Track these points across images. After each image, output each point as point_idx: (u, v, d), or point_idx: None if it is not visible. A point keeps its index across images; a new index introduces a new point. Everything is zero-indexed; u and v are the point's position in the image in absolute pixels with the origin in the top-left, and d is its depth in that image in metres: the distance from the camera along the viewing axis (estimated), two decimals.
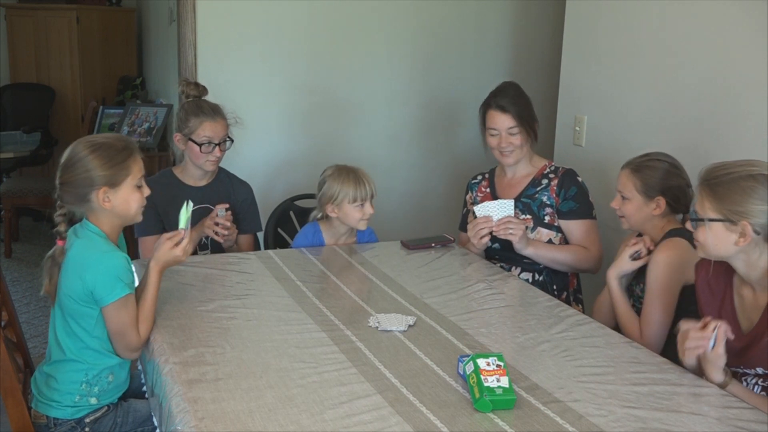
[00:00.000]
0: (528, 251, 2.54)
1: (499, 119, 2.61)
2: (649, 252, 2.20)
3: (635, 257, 2.22)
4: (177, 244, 2.00)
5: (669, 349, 1.98)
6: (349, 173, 2.63)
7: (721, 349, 1.68)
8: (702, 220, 1.78)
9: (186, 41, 3.48)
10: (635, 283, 2.30)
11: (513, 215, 2.52)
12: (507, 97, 2.63)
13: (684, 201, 2.24)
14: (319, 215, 2.71)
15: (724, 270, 1.84)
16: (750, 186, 1.70)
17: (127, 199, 1.93)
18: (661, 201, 2.22)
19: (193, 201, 2.69)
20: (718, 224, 1.74)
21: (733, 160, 1.78)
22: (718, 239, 1.76)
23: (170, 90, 4.67)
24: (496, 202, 2.55)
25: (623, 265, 2.24)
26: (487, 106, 2.66)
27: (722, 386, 1.72)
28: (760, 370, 1.76)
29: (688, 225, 2.11)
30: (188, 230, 2.02)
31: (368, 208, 2.62)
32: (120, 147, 1.93)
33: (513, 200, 2.56)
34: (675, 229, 2.20)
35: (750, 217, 1.70)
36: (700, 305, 1.91)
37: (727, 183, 1.73)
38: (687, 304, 2.08)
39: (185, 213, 2.03)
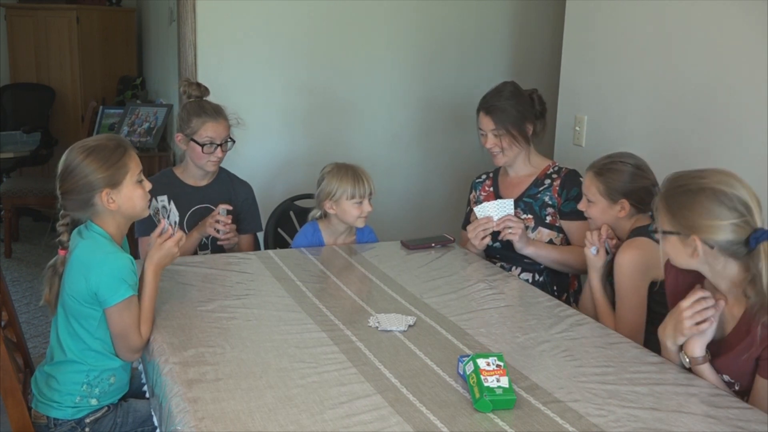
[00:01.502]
0: (528, 251, 2.54)
1: (484, 120, 2.63)
2: (616, 249, 2.22)
3: (597, 252, 2.25)
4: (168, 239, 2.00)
5: (648, 348, 1.98)
6: (348, 170, 2.63)
7: (716, 323, 1.72)
8: (657, 232, 1.78)
9: (186, 41, 3.48)
10: (611, 280, 2.30)
11: (513, 214, 2.52)
12: (495, 98, 2.63)
13: (650, 201, 2.22)
14: (318, 214, 2.71)
15: (694, 273, 1.82)
16: (697, 200, 1.67)
17: (130, 196, 1.94)
18: (625, 203, 2.23)
19: (193, 201, 2.72)
20: (673, 237, 1.72)
21: (694, 169, 1.75)
22: (676, 251, 1.74)
23: (170, 90, 4.67)
24: (495, 201, 2.56)
25: (593, 262, 2.26)
26: (478, 106, 2.68)
27: (700, 363, 1.73)
28: (726, 377, 1.75)
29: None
30: (170, 221, 2.02)
31: (366, 206, 2.62)
32: (113, 146, 1.93)
33: (512, 200, 2.57)
34: (638, 228, 2.21)
35: (698, 231, 1.66)
36: (670, 305, 1.92)
37: (678, 196, 1.71)
38: (656, 302, 2.09)
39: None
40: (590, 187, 2.27)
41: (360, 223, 2.67)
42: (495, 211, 2.53)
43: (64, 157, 1.92)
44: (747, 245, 1.63)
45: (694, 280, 1.83)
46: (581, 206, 2.34)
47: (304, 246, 2.69)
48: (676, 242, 1.72)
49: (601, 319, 2.22)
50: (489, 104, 2.63)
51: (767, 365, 1.66)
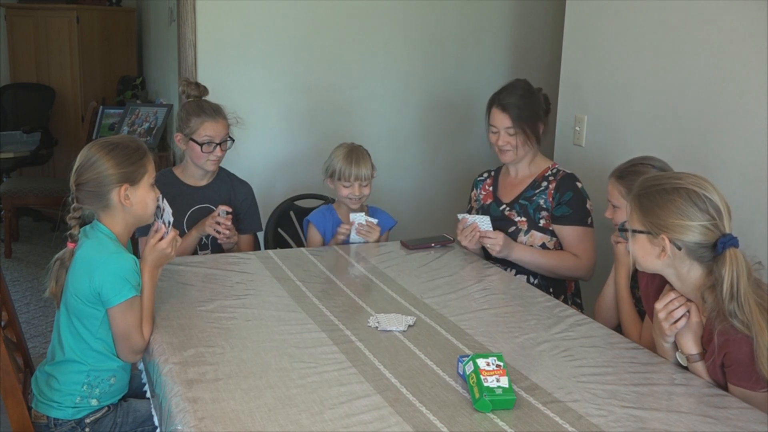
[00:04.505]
0: (513, 257, 2.54)
1: (499, 117, 2.60)
2: None
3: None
4: (161, 240, 2.00)
5: None
6: (350, 152, 2.71)
7: (694, 318, 1.74)
8: (626, 230, 1.78)
9: (186, 41, 3.49)
10: (636, 286, 2.29)
11: (490, 230, 2.55)
12: (511, 96, 2.59)
13: None
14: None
15: (659, 280, 1.83)
16: (670, 199, 1.68)
17: (144, 198, 1.96)
18: None
19: (193, 201, 2.72)
20: (642, 236, 1.74)
21: (671, 172, 1.77)
22: (643, 251, 1.75)
23: (170, 90, 4.67)
24: (474, 216, 2.61)
25: (626, 259, 2.21)
26: (491, 102, 2.64)
27: (697, 360, 1.74)
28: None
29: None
30: (164, 220, 2.03)
31: (356, 189, 2.69)
32: (135, 147, 1.97)
33: (489, 217, 2.58)
34: None
35: (669, 231, 1.68)
36: (646, 310, 1.93)
37: (652, 195, 1.72)
38: None
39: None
40: (613, 192, 2.24)
41: (352, 204, 2.73)
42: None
43: (84, 152, 1.95)
44: (714, 249, 1.65)
45: (662, 283, 1.84)
46: (607, 214, 2.30)
47: (319, 224, 2.77)
48: (645, 242, 1.74)
49: (624, 320, 2.21)
50: (505, 101, 2.58)
51: (732, 372, 1.67)
